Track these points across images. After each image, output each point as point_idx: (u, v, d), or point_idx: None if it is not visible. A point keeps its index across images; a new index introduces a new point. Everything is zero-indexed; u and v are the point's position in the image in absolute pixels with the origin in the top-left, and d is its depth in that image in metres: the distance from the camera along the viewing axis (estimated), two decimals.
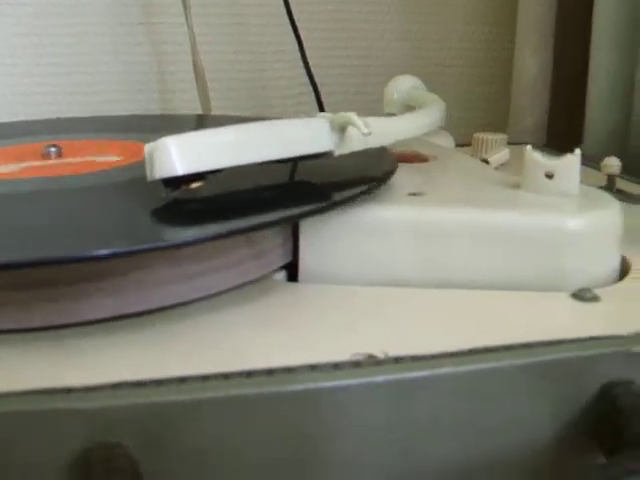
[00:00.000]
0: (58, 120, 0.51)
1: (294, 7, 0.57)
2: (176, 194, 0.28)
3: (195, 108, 0.59)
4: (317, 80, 0.60)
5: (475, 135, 0.49)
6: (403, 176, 0.34)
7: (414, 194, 0.32)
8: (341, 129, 0.30)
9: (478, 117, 0.65)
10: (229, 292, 0.29)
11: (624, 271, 0.32)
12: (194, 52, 0.55)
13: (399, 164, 0.37)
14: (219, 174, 0.28)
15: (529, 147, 0.32)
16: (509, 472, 0.23)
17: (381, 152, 0.34)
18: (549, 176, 0.32)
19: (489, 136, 0.49)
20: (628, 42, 0.53)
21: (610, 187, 0.43)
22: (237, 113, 0.61)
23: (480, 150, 0.49)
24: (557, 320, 0.27)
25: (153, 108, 0.62)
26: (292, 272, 0.31)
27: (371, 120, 0.31)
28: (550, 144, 0.59)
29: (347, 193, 0.29)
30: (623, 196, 0.43)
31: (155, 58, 0.61)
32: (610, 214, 0.32)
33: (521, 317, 0.27)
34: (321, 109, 0.56)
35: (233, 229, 0.26)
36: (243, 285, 0.29)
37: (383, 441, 0.22)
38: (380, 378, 0.22)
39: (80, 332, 0.25)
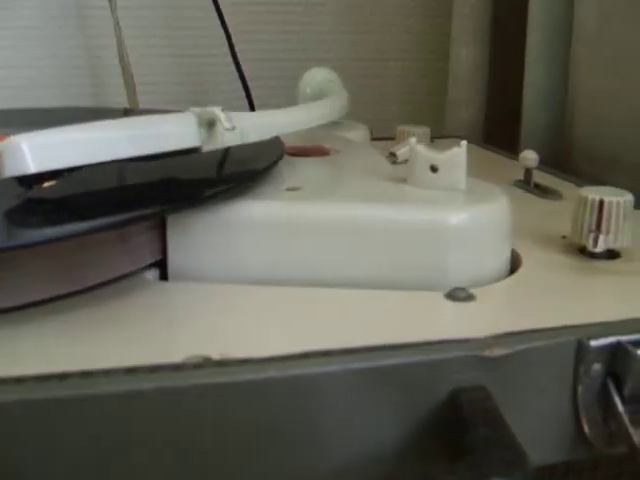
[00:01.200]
0: None
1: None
2: (32, 193, 0.27)
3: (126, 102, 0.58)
4: (254, 74, 0.59)
5: (399, 128, 0.48)
6: (290, 170, 0.33)
7: (292, 189, 0.31)
8: (209, 124, 0.29)
9: (419, 110, 0.64)
10: (94, 290, 0.27)
11: (515, 266, 0.31)
12: (120, 45, 0.54)
13: (295, 158, 0.35)
14: (91, 170, 0.27)
15: (413, 139, 0.31)
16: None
17: (267, 146, 0.33)
18: (434, 170, 0.31)
19: (412, 129, 0.47)
20: (562, 38, 0.52)
21: (527, 180, 0.42)
22: (171, 108, 0.60)
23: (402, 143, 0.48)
24: (422, 321, 0.26)
25: (86, 102, 0.61)
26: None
27: (245, 115, 0.30)
28: (489, 139, 0.58)
29: (212, 190, 0.28)
30: (539, 190, 0.42)
31: (86, 52, 0.60)
32: (496, 209, 0.30)
33: (384, 318, 0.26)
34: (251, 104, 0.55)
35: (77, 230, 0.25)
36: (114, 281, 0.28)
37: (199, 447, 0.21)
38: (207, 380, 0.21)
39: None
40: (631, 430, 0.23)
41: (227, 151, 0.30)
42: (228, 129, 0.28)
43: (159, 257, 0.30)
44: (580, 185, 0.43)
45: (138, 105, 0.55)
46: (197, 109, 0.29)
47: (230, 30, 0.58)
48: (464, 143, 0.31)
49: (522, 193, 0.41)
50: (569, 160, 0.51)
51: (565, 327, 0.24)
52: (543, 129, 0.54)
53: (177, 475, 0.21)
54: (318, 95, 0.43)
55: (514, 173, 0.44)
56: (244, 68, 0.58)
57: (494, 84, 0.58)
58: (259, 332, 0.25)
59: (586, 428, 0.25)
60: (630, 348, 0.23)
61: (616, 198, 0.31)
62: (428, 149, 0.31)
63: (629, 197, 0.31)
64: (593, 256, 0.32)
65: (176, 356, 0.22)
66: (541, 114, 0.54)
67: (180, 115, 0.29)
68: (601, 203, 0.31)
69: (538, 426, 0.24)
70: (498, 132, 0.58)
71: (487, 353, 0.23)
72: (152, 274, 0.30)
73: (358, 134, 0.43)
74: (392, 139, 0.48)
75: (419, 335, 0.23)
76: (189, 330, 0.25)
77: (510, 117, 0.57)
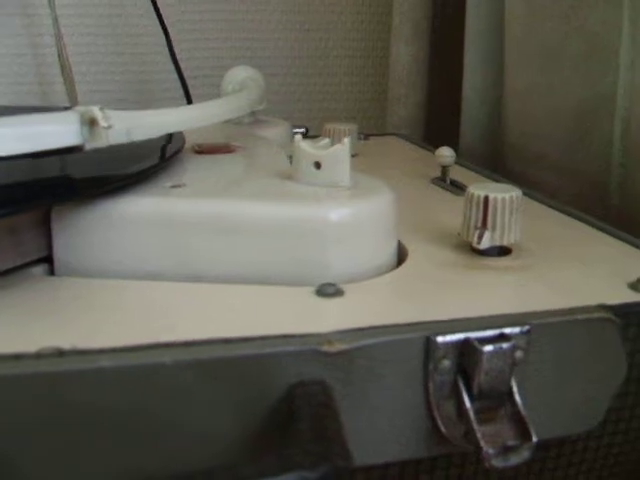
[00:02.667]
0: None
1: None
2: None
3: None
4: (197, 73, 0.59)
5: (326, 126, 0.48)
6: (183, 167, 0.33)
7: (176, 186, 0.31)
8: (91, 123, 0.29)
9: (365, 107, 0.63)
10: None
11: (402, 259, 0.31)
12: (58, 43, 0.54)
13: (197, 155, 0.36)
14: None
15: (297, 136, 0.31)
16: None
17: (162, 144, 0.33)
18: (318, 166, 0.31)
19: (339, 126, 0.47)
20: (498, 36, 0.52)
21: (444, 178, 0.42)
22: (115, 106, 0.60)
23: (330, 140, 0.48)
24: (278, 316, 0.25)
25: (34, 100, 0.61)
26: None
27: (133, 114, 0.30)
28: (432, 136, 0.58)
29: (94, 186, 0.28)
30: (454, 187, 0.42)
31: (32, 50, 0.60)
32: (378, 204, 0.30)
33: (244, 313, 0.26)
34: (189, 102, 0.55)
35: None
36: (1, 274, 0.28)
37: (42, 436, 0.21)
38: (49, 369, 0.21)
39: None
40: (476, 427, 0.23)
41: (118, 148, 0.30)
42: (105, 128, 0.28)
43: (46, 253, 0.30)
44: (499, 181, 0.44)
45: (77, 102, 0.55)
46: (81, 108, 0.29)
47: (173, 29, 0.58)
48: (346, 140, 0.31)
49: (437, 190, 0.41)
50: (502, 158, 0.51)
51: (412, 324, 0.24)
52: (481, 127, 0.54)
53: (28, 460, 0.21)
54: (239, 92, 0.43)
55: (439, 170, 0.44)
56: (187, 66, 0.58)
57: (436, 81, 0.57)
58: (118, 325, 0.25)
59: (441, 425, 0.25)
60: (477, 344, 0.23)
61: (501, 194, 0.31)
62: (312, 146, 0.31)
63: (516, 193, 0.31)
64: (482, 253, 0.32)
65: (33, 346, 0.22)
66: (479, 112, 0.54)
67: (63, 114, 0.29)
68: (486, 199, 0.31)
69: (391, 422, 0.24)
70: (440, 129, 0.57)
71: (326, 348, 0.23)
72: (41, 269, 0.30)
73: (278, 131, 0.43)
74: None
75: (268, 329, 0.23)
76: (51, 322, 0.25)
77: (452, 114, 0.56)
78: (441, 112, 0.57)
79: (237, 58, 0.62)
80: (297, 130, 0.52)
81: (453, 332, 0.24)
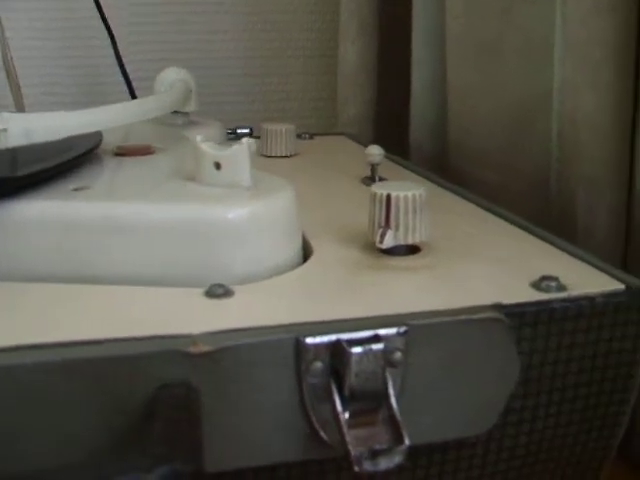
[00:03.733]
0: None
1: None
2: None
3: (28, 104, 0.58)
4: (149, 75, 0.58)
5: (262, 126, 0.47)
6: (93, 169, 0.33)
7: (79, 189, 0.31)
8: None
9: (321, 107, 0.63)
10: None
11: (307, 258, 0.31)
12: (3, 49, 0.54)
13: (113, 157, 0.35)
14: None
15: (199, 137, 0.31)
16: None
17: (70, 146, 0.33)
18: (218, 167, 0.31)
19: (275, 126, 0.47)
20: (444, 35, 0.51)
21: (372, 177, 0.42)
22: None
23: (267, 142, 0.47)
24: (161, 317, 0.25)
25: None
26: None
27: (33, 116, 0.30)
28: (381, 135, 0.58)
29: None
30: None
31: None
32: (277, 204, 0.30)
33: (124, 314, 0.25)
34: None
35: None
36: None
37: None
38: None
39: None
40: (345, 430, 0.23)
41: (25, 150, 0.30)
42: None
43: None
44: (434, 181, 0.43)
45: (24, 108, 0.55)
46: None
47: (124, 31, 0.58)
48: (245, 140, 0.30)
49: (364, 190, 0.41)
50: (447, 156, 0.51)
51: (282, 325, 0.24)
52: (430, 125, 0.53)
53: None
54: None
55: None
56: (139, 68, 0.58)
57: (386, 80, 0.57)
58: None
59: (319, 429, 0.24)
60: (346, 346, 0.23)
61: (404, 192, 0.30)
62: (212, 146, 0.31)
63: (419, 192, 0.30)
64: (389, 252, 0.31)
65: None
66: (427, 110, 0.53)
67: None
68: (388, 198, 0.30)
69: (268, 425, 0.24)
70: (391, 127, 0.57)
71: (191, 349, 0.22)
72: None
73: (209, 132, 0.43)
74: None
75: (144, 331, 0.23)
76: None
77: (403, 113, 0.56)
78: (392, 110, 0.56)
79: (190, 60, 0.62)
80: (242, 131, 0.52)
81: (324, 333, 0.23)
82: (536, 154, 0.45)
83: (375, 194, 0.30)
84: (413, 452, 0.27)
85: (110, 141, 0.38)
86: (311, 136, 0.52)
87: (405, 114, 0.56)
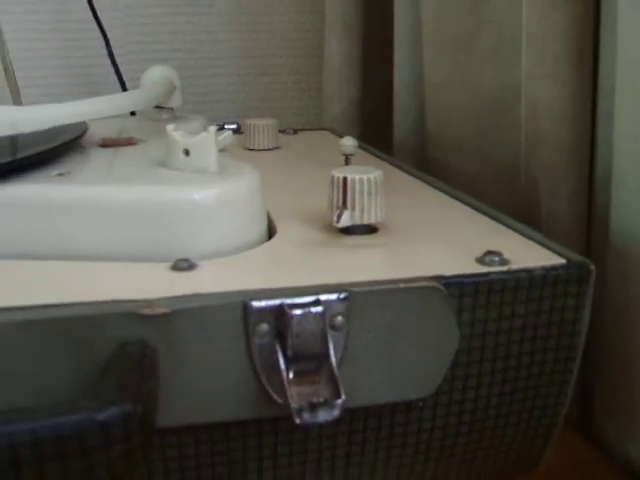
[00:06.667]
0: None
1: None
2: None
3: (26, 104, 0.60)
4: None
5: (246, 121, 0.50)
6: (77, 158, 0.36)
7: (61, 174, 0.33)
8: None
9: (311, 105, 0.65)
10: None
11: (272, 237, 0.33)
12: (1, 47, 0.57)
13: (97, 147, 0.38)
14: None
15: (170, 126, 0.33)
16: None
17: (56, 135, 0.36)
18: (187, 153, 0.33)
19: (258, 121, 0.49)
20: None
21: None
22: None
23: (250, 136, 0.50)
24: (126, 286, 0.27)
25: None
26: None
27: (17, 108, 0.33)
28: (366, 131, 0.60)
29: None
30: None
31: None
32: (240, 187, 0.32)
33: (95, 283, 0.28)
34: None
35: None
36: None
37: None
38: None
39: None
40: (287, 386, 0.25)
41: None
42: None
43: None
44: (406, 170, 0.45)
45: (21, 103, 0.57)
46: None
47: (118, 31, 0.60)
48: (212, 128, 0.32)
49: None
50: (426, 148, 0.53)
51: (233, 291, 0.26)
52: (412, 120, 0.55)
53: None
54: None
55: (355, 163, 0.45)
56: (133, 69, 0.60)
57: (371, 77, 0.59)
58: None
59: (268, 387, 0.26)
60: (288, 309, 0.25)
61: (360, 175, 0.32)
62: (181, 134, 0.33)
63: (376, 174, 0.33)
64: (348, 232, 0.33)
65: None
66: (410, 106, 0.55)
67: None
68: (344, 180, 0.32)
69: (220, 383, 0.26)
70: (376, 124, 0.59)
71: (146, 311, 0.25)
72: None
73: (192, 126, 0.45)
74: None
75: (104, 297, 0.25)
76: None
77: (387, 109, 0.58)
78: (377, 107, 0.59)
79: (183, 59, 0.64)
80: (229, 127, 0.54)
81: (269, 298, 0.26)
82: (507, 144, 0.47)
83: (333, 177, 0.33)
84: (362, 414, 0.30)
85: (105, 136, 0.41)
86: (295, 131, 0.55)
87: (389, 111, 0.58)
